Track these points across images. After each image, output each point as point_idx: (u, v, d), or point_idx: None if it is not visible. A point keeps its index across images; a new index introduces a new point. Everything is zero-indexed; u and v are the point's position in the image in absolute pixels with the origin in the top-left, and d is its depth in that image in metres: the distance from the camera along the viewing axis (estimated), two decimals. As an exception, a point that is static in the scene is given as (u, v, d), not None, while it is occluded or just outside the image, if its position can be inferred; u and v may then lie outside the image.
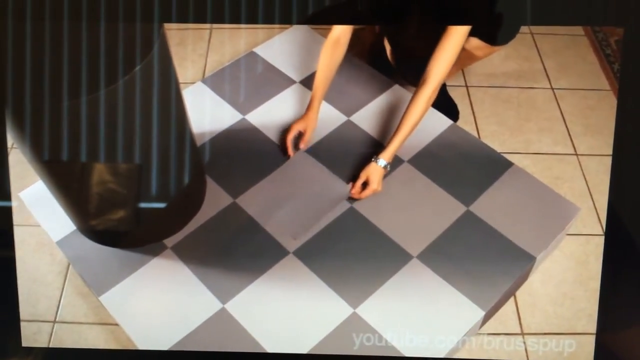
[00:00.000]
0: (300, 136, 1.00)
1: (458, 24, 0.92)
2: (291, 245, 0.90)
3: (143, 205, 0.86)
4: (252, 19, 0.67)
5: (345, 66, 1.09)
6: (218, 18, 0.67)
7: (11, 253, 0.79)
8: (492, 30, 0.95)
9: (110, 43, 0.69)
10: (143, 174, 0.82)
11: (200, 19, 0.68)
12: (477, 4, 0.85)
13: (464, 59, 1.07)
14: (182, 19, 0.68)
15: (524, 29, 1.03)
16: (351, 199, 0.94)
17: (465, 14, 0.87)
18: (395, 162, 0.99)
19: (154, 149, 0.80)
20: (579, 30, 1.03)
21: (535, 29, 1.04)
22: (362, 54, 1.17)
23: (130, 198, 0.86)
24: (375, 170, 0.94)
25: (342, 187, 0.96)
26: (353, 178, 0.95)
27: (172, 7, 0.67)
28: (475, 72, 1.07)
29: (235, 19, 0.68)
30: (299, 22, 0.71)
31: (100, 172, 0.79)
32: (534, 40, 1.06)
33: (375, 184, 0.94)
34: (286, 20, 0.67)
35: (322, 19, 0.76)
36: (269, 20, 0.67)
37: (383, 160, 0.94)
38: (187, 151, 0.88)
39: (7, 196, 0.75)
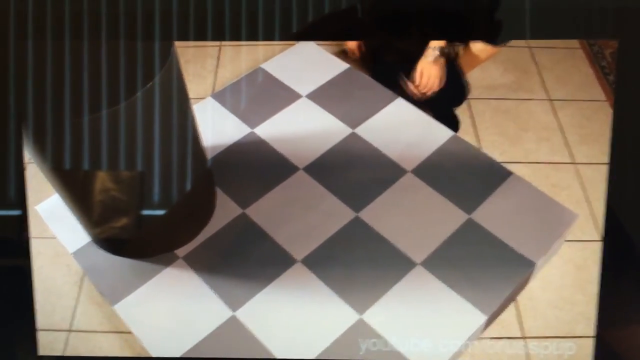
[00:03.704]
0: None
1: (459, 40, 0.93)
2: (299, 254, 0.92)
3: (156, 215, 0.88)
4: (254, 36, 0.69)
5: (347, 79, 1.12)
6: (231, 36, 0.70)
7: (28, 265, 0.81)
8: (494, 33, 0.97)
9: (123, 61, 0.72)
10: (155, 186, 0.84)
11: (210, 37, 0.70)
12: (478, 16, 0.87)
13: (470, 62, 1.09)
14: (196, 37, 0.70)
15: (521, 42, 1.05)
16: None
17: (467, 29, 0.89)
18: (398, 172, 1.01)
19: (171, 161, 0.82)
20: (575, 43, 1.05)
21: (533, 42, 1.06)
22: (363, 66, 1.19)
23: (139, 208, 0.88)
24: (425, 64, 0.94)
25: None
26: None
27: (184, 26, 0.69)
28: (475, 84, 1.09)
29: (240, 36, 0.70)
30: (298, 39, 0.73)
31: (105, 182, 0.81)
32: (531, 53, 1.08)
33: (425, 78, 0.94)
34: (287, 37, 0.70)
35: (322, 34, 0.78)
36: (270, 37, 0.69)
37: (433, 51, 0.93)
38: (198, 163, 0.90)
39: (24, 210, 0.77)
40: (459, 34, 0.84)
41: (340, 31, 0.75)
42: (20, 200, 0.76)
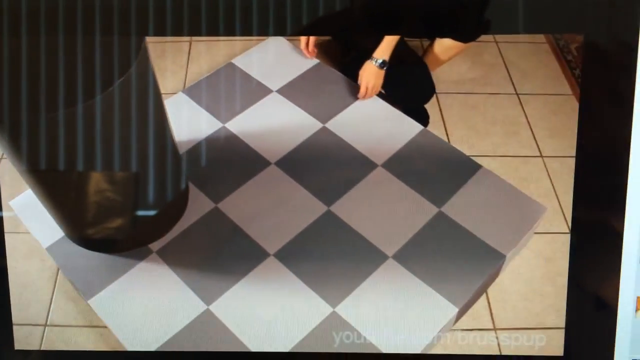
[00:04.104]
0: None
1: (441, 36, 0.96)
2: (272, 247, 0.93)
3: (133, 213, 0.89)
4: (245, 31, 0.70)
5: (317, 74, 1.14)
6: (197, 31, 0.71)
7: (3, 260, 0.82)
8: (464, 30, 0.98)
9: (93, 56, 0.72)
10: (134, 183, 0.85)
11: (179, 32, 0.71)
12: (448, 13, 0.88)
13: (438, 58, 1.10)
14: (162, 32, 0.71)
15: (488, 37, 1.06)
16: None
17: (437, 26, 0.91)
18: (369, 166, 1.02)
19: (143, 158, 0.83)
20: (540, 38, 1.06)
21: (500, 37, 1.07)
22: (331, 62, 1.20)
23: (122, 206, 0.88)
24: (368, 68, 1.01)
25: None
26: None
27: (152, 21, 0.70)
28: (443, 79, 1.10)
29: (216, 32, 0.71)
30: (292, 34, 0.74)
31: (95, 181, 0.82)
32: (498, 48, 1.09)
33: (365, 80, 1.01)
34: (281, 32, 0.71)
35: (311, 30, 0.79)
36: (250, 32, 0.70)
37: (375, 58, 1.00)
38: (170, 159, 0.91)
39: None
40: (428, 30, 0.85)
41: (328, 27, 0.76)
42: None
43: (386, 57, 1.01)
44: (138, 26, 0.70)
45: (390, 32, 0.94)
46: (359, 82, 1.06)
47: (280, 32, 0.71)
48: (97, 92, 0.72)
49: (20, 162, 0.79)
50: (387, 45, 1.00)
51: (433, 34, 1.00)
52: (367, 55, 1.03)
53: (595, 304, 0.79)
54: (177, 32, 0.70)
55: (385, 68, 1.03)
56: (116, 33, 0.70)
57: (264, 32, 0.71)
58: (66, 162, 0.77)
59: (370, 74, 1.04)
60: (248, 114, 1.11)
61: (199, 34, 0.69)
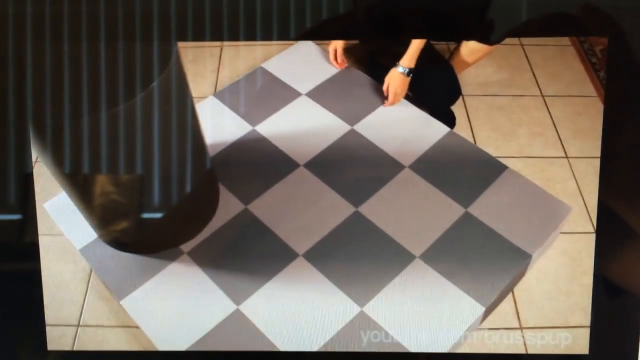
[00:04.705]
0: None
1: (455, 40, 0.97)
2: (301, 248, 0.94)
3: (160, 214, 0.90)
4: (252, 36, 0.71)
5: (345, 77, 1.15)
6: (230, 36, 0.71)
7: (37, 262, 0.82)
8: (488, 32, 0.99)
9: (127, 61, 0.74)
10: (161, 185, 0.86)
11: (213, 37, 0.72)
12: (471, 15, 0.89)
13: (464, 60, 1.11)
14: (197, 37, 0.72)
15: (514, 40, 1.07)
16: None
17: (462, 29, 0.91)
18: (396, 167, 1.03)
19: (173, 160, 0.85)
20: (565, 40, 1.07)
21: (525, 40, 1.08)
22: (359, 65, 1.21)
23: (154, 208, 0.89)
24: (394, 76, 1.05)
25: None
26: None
27: (186, 27, 0.71)
28: (470, 81, 1.10)
29: (240, 37, 0.72)
30: (297, 39, 0.75)
31: (127, 184, 0.83)
32: (524, 50, 1.10)
33: (392, 86, 1.05)
34: (284, 36, 0.71)
35: (319, 34, 0.80)
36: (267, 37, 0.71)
37: (401, 66, 1.03)
38: (201, 161, 0.92)
39: (33, 211, 0.79)
40: (453, 34, 0.86)
41: (337, 31, 0.77)
42: (24, 204, 0.78)
43: (412, 65, 1.04)
44: (175, 31, 0.71)
45: (414, 36, 0.95)
46: (384, 88, 1.09)
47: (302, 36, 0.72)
48: (131, 96, 0.73)
49: (55, 165, 0.80)
50: (413, 54, 1.03)
51: (456, 38, 1.01)
52: (392, 60, 1.05)
53: (620, 302, 0.79)
54: (215, 37, 0.71)
55: (411, 75, 1.05)
56: (155, 38, 0.71)
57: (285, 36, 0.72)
58: (100, 165, 0.79)
59: (397, 81, 1.07)
60: (277, 117, 1.12)
61: (237, 39, 0.70)
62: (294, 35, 0.71)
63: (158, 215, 0.89)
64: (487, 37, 0.89)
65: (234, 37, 0.71)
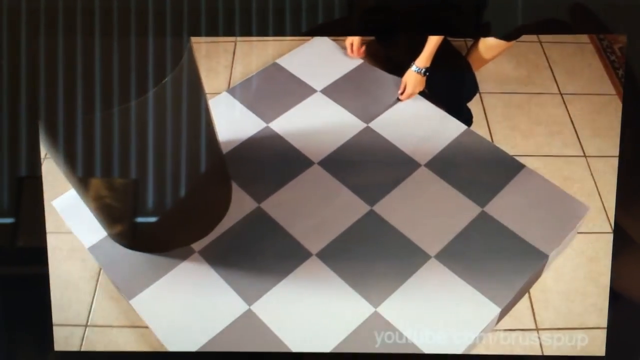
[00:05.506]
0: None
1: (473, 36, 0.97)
2: (314, 247, 0.93)
3: (172, 210, 0.89)
4: (263, 32, 0.70)
5: (361, 74, 1.14)
6: (244, 32, 0.70)
7: (45, 261, 0.81)
8: (505, 28, 0.99)
9: (139, 56, 0.72)
10: (172, 182, 0.85)
11: (227, 32, 0.71)
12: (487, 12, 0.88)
13: (482, 57, 1.11)
14: (210, 32, 0.71)
15: (532, 37, 1.06)
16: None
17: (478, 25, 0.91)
18: (412, 165, 1.02)
19: (184, 157, 0.83)
20: (584, 38, 1.06)
21: (544, 37, 1.07)
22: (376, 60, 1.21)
23: (165, 206, 0.88)
24: (410, 75, 1.08)
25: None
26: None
27: (200, 21, 0.70)
28: (487, 79, 1.10)
29: (257, 32, 0.71)
30: (306, 34, 0.74)
31: (114, 181, 0.82)
32: (542, 48, 1.10)
33: (410, 87, 1.08)
34: (295, 32, 0.70)
35: (326, 30, 0.79)
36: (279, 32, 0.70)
37: (416, 66, 1.06)
38: (213, 158, 0.90)
39: (41, 210, 0.77)
40: (469, 30, 0.85)
41: (343, 26, 0.76)
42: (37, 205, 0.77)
43: (428, 65, 1.06)
44: (188, 26, 0.70)
45: (433, 33, 0.95)
46: (400, 89, 1.10)
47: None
48: (142, 93, 0.72)
49: (65, 163, 0.79)
50: (429, 53, 1.05)
51: (471, 34, 1.00)
52: (407, 54, 1.06)
53: (637, 303, 0.78)
54: (227, 32, 0.70)
55: (427, 74, 1.07)
56: (168, 34, 0.70)
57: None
58: (109, 162, 0.77)
59: (413, 80, 1.08)
60: (292, 114, 1.12)
61: (250, 34, 0.69)
62: (305, 29, 0.70)
63: (168, 212, 0.88)
64: (503, 34, 0.88)
65: (247, 32, 0.70)
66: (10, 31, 0.69)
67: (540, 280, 0.97)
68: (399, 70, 1.12)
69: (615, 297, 0.78)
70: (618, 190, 0.77)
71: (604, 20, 0.73)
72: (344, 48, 1.19)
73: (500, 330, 0.91)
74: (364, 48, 1.17)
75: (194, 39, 0.78)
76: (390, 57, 1.18)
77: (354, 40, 1.16)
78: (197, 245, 0.94)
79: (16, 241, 0.78)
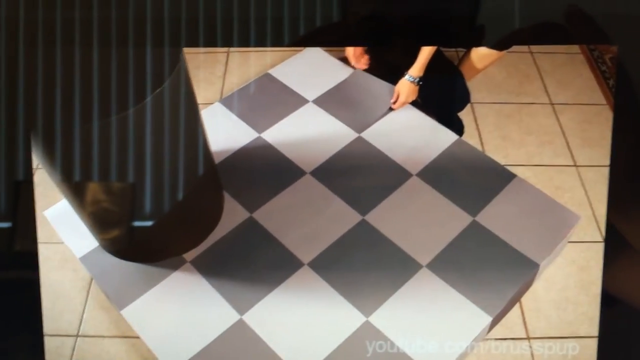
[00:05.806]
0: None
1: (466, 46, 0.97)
2: (306, 257, 0.93)
3: (163, 219, 0.88)
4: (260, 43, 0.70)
5: (353, 84, 1.14)
6: (239, 42, 0.70)
7: (35, 271, 0.81)
8: (497, 38, 0.99)
9: (130, 67, 0.72)
10: (169, 193, 0.85)
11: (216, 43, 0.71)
12: (477, 22, 0.88)
13: (473, 66, 1.12)
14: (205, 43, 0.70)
15: (523, 48, 1.07)
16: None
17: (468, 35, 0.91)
18: (404, 175, 1.02)
19: (175, 167, 0.83)
20: (575, 48, 1.07)
21: (535, 48, 1.08)
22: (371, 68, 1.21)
23: (157, 216, 0.88)
24: (403, 84, 1.08)
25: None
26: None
27: (192, 33, 0.70)
28: (478, 89, 1.10)
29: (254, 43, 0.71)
30: (290, 45, 0.74)
31: (106, 189, 0.81)
32: (533, 58, 1.10)
33: (403, 96, 1.08)
34: (279, 43, 0.70)
35: (313, 41, 0.79)
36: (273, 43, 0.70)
37: (410, 75, 1.06)
38: (205, 168, 0.90)
39: (32, 219, 0.77)
40: (462, 40, 0.86)
41: (337, 38, 0.76)
42: (23, 211, 0.76)
43: (421, 74, 1.06)
44: (185, 37, 0.70)
45: (427, 43, 0.95)
46: (393, 98, 1.10)
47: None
48: (136, 103, 0.72)
49: (56, 173, 0.78)
50: (422, 63, 1.05)
51: (461, 44, 1.01)
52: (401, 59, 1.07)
53: (629, 312, 0.78)
54: (226, 43, 0.70)
55: (420, 83, 1.07)
56: (166, 45, 0.70)
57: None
58: (102, 172, 0.77)
59: (407, 90, 1.08)
60: (284, 124, 1.12)
61: (247, 45, 0.68)
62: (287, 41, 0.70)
63: (160, 221, 0.88)
64: (495, 43, 0.88)
65: (244, 43, 0.70)
66: (7, 41, 0.69)
67: (531, 289, 0.97)
68: (394, 75, 1.13)
69: (607, 305, 0.79)
70: (609, 199, 0.77)
71: (595, 30, 0.73)
72: (335, 58, 1.19)
73: (491, 339, 0.90)
74: (366, 57, 1.18)
75: (186, 50, 0.78)
76: (387, 60, 1.18)
77: (355, 50, 1.16)
78: (189, 255, 0.93)
79: (7, 249, 0.78)
